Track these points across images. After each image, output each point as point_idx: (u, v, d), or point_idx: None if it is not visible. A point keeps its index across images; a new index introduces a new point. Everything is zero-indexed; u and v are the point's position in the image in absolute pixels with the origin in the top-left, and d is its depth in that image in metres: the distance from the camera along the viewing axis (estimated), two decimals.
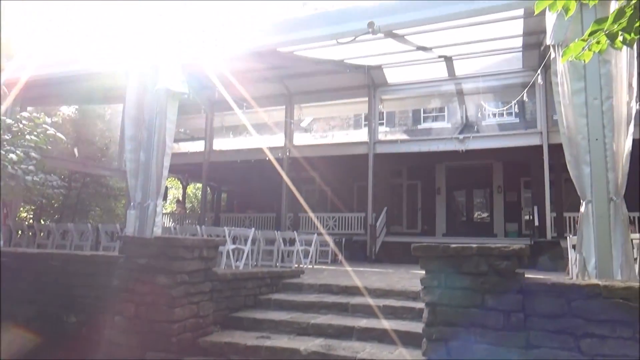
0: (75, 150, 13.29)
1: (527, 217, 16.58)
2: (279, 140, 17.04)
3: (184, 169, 19.03)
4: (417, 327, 4.95)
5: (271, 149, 15.70)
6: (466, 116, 18.78)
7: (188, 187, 23.46)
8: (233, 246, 7.97)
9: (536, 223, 13.19)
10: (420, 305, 5.56)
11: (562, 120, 4.69)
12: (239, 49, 7.68)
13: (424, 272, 3.99)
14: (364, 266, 11.78)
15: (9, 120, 4.27)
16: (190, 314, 5.01)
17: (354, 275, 8.48)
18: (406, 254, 14.20)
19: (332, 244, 12.96)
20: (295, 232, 10.53)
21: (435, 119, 20.91)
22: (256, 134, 17.23)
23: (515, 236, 15.97)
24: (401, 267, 11.41)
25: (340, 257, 13.63)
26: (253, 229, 8.59)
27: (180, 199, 22.50)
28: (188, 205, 24.73)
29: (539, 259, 11.89)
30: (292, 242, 10.45)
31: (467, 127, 18.42)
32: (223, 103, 14.86)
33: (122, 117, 16.17)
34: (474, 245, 3.70)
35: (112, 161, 17.09)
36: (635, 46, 4.48)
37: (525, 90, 12.49)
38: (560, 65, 4.64)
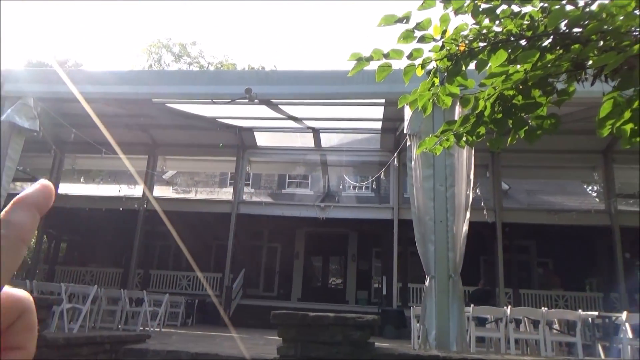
0: None
1: (376, 286, 17.58)
2: (137, 190, 16.03)
3: None
4: None
5: (127, 199, 14.69)
6: (328, 186, 19.76)
7: None
8: (69, 305, 7.06)
9: (384, 292, 14.05)
10: None
11: (414, 201, 5.21)
12: (107, 94, 7.25)
13: (281, 340, 3.94)
14: (217, 330, 11.24)
15: None
16: None
17: (205, 340, 8.04)
18: (261, 318, 13.94)
19: (183, 306, 12.22)
20: (144, 291, 9.75)
21: (299, 185, 21.62)
22: (112, 181, 16.02)
23: (365, 303, 16.74)
24: (256, 332, 11.13)
25: (191, 319, 12.88)
26: (95, 286, 7.74)
27: None
28: None
29: (385, 326, 12.55)
30: (139, 302, 9.62)
31: (328, 196, 19.34)
32: (77, 145, 13.67)
33: None
34: (331, 315, 3.79)
35: None
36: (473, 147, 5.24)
37: (383, 170, 13.69)
38: (414, 153, 5.22)
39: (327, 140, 15.10)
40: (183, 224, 17.53)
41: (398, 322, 12.58)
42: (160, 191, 17.51)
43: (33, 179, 16.36)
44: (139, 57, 33.15)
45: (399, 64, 2.74)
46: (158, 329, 9.58)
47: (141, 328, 8.84)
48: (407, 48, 2.50)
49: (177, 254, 18.70)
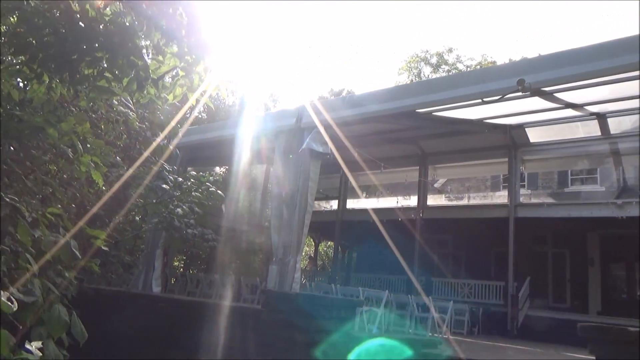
0: (223, 206, 14.55)
1: None
2: (411, 201, 16.84)
3: (317, 227, 19.58)
4: None
5: (404, 210, 15.53)
6: (623, 179, 16.74)
7: (320, 244, 24.04)
8: (367, 308, 7.82)
9: None
10: None
11: None
12: (379, 112, 7.87)
13: (593, 358, 3.44)
14: (505, 341, 10.70)
15: (179, 179, 4.84)
16: None
17: (497, 351, 7.74)
18: (553, 332, 12.66)
19: (468, 314, 12.08)
20: (429, 297, 10.05)
21: (584, 181, 19.01)
22: (389, 194, 17.25)
23: None
24: (549, 347, 10.13)
25: (477, 328, 12.62)
26: (387, 291, 8.39)
27: (312, 255, 23.09)
28: (319, 262, 25.24)
29: None
30: (424, 308, 9.96)
31: (625, 191, 16.37)
32: (357, 163, 15.23)
33: (264, 176, 17.44)
34: None
35: (253, 218, 18.30)
36: None
37: None
38: None
39: (617, 125, 12.82)
40: (458, 231, 17.54)
41: None
42: (432, 200, 17.91)
43: (326, 197, 19.03)
44: (400, 75, 35.05)
45: None
46: (446, 336, 9.68)
47: (430, 334, 9.09)
48: None
49: (455, 262, 18.76)
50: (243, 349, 5.49)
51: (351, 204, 18.23)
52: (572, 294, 16.42)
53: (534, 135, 13.98)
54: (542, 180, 19.97)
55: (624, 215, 12.39)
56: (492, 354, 7.14)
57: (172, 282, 12.22)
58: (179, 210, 4.90)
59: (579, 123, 12.92)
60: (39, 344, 1.75)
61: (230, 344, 5.63)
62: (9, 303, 1.53)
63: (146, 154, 4.08)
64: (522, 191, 16.99)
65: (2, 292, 1.56)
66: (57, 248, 2.44)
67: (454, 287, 15.60)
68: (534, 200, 16.28)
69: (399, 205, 16.40)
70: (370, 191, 20.15)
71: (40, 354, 1.65)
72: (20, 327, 2.24)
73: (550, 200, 16.63)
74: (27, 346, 1.68)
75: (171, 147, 4.48)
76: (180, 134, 4.62)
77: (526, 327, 12.96)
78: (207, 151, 13.14)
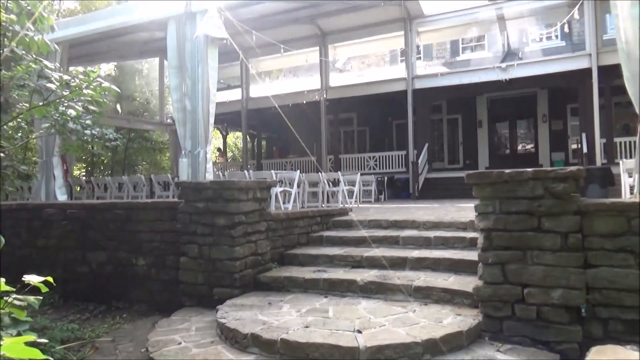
0: (118, 106, 13.64)
1: (574, 146, 16.09)
2: (315, 82, 16.89)
3: (223, 119, 19.22)
4: (469, 255, 5.04)
5: (308, 92, 15.60)
6: (508, 43, 17.91)
7: (228, 136, 23.81)
8: (281, 189, 8.18)
9: (585, 150, 12.80)
10: (470, 235, 5.64)
11: (620, 35, 4.45)
12: None
13: (478, 199, 4.01)
14: (409, 203, 11.88)
15: (65, 77, 4.44)
16: (250, 252, 5.27)
17: (400, 211, 8.61)
18: (450, 189, 14.21)
19: (374, 184, 13.07)
20: (338, 172, 10.66)
21: (474, 49, 20.08)
22: (292, 77, 17.10)
23: (562, 165, 15.58)
24: (446, 202, 11.45)
25: (383, 195, 13.76)
26: (298, 171, 8.74)
27: (221, 148, 22.93)
28: (229, 154, 25.20)
29: (588, 186, 11.59)
30: (335, 183, 10.60)
31: (509, 55, 17.61)
32: (258, 49, 14.71)
33: (159, 70, 16.38)
34: (529, 170, 3.68)
35: (154, 116, 17.46)
36: None
37: (577, 7, 11.73)
38: None
39: None
40: (361, 109, 18.15)
41: (604, 180, 11.46)
42: (335, 80, 18.10)
43: (228, 87, 18.48)
44: None
45: None
46: (356, 205, 10.51)
47: (341, 205, 9.80)
48: None
49: (360, 138, 19.70)
50: (167, 241, 5.62)
51: (255, 91, 17.92)
52: (465, 155, 18.22)
53: (428, 7, 14.30)
54: (437, 51, 20.79)
55: (507, 77, 13.51)
56: (395, 213, 7.94)
57: (77, 190, 11.72)
58: (71, 111, 4.56)
59: None
60: None
61: (152, 238, 5.74)
62: None
63: (12, 44, 3.62)
64: (419, 63, 17.65)
65: None
66: None
67: (361, 161, 16.57)
68: (429, 71, 17.05)
69: (303, 88, 16.41)
70: (273, 77, 19.81)
71: None
72: None
73: (444, 69, 17.51)
74: None
75: (47, 41, 4.02)
76: (54, 24, 4.13)
77: (426, 189, 14.39)
78: (91, 47, 11.95)
